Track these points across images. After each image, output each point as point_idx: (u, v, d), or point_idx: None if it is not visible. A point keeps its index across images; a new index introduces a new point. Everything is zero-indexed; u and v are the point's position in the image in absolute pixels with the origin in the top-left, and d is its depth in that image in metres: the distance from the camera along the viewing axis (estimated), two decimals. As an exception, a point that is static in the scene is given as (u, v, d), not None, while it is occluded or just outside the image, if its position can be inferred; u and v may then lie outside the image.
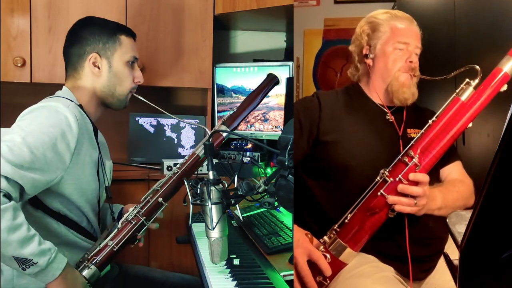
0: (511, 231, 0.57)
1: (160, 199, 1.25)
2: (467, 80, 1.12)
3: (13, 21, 1.95)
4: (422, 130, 1.12)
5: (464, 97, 1.11)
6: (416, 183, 1.06)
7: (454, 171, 1.28)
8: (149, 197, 1.26)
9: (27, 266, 1.02)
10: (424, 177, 1.07)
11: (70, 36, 1.38)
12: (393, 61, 1.25)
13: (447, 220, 1.22)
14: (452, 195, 1.17)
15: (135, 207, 1.26)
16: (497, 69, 1.09)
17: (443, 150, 1.10)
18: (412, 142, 1.11)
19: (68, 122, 1.19)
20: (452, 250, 1.21)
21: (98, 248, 1.21)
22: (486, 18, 2.01)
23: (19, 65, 1.95)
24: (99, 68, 1.35)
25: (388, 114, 1.26)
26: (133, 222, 1.23)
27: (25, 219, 1.05)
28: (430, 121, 1.12)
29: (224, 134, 1.30)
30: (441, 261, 1.22)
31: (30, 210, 1.22)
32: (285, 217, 1.54)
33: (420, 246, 1.15)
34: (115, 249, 1.20)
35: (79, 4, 2.00)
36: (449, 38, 2.11)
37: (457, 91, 1.13)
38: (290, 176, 0.99)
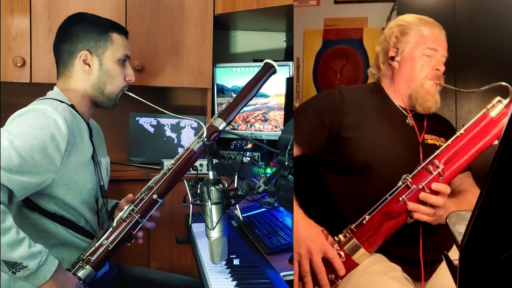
0: (511, 231, 0.57)
1: (154, 196, 1.23)
2: (499, 98, 1.12)
3: (13, 21, 1.94)
4: (449, 141, 1.12)
5: (494, 114, 1.11)
6: (436, 192, 1.07)
7: (465, 182, 1.28)
8: (143, 195, 1.25)
9: (17, 270, 1.00)
10: (446, 188, 1.07)
11: (61, 32, 1.35)
12: (420, 67, 1.25)
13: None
14: (465, 208, 1.17)
15: (130, 204, 1.24)
16: None
17: (466, 163, 1.11)
18: (438, 152, 1.11)
19: (57, 125, 1.17)
20: (452, 250, 1.21)
21: (93, 248, 1.19)
22: (486, 18, 2.00)
23: (19, 65, 1.95)
24: (89, 65, 1.32)
25: (408, 118, 1.26)
26: (128, 220, 1.21)
27: (22, 221, 1.04)
28: (458, 133, 1.12)
29: (220, 128, 1.28)
30: (443, 260, 1.22)
31: (26, 212, 1.22)
32: (285, 217, 1.53)
33: (429, 250, 1.15)
34: (110, 248, 1.19)
35: (79, 4, 2.00)
36: (449, 38, 2.10)
37: (488, 107, 1.12)
38: (290, 176, 0.99)
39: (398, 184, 1.09)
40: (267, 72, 1.34)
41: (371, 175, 1.17)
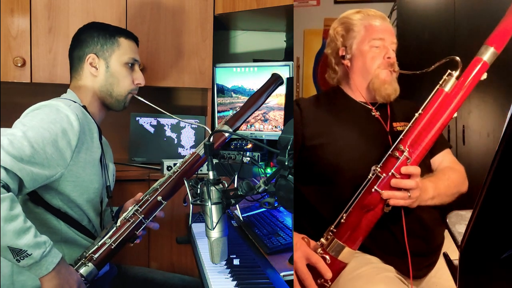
0: (511, 231, 0.57)
1: (159, 198, 1.26)
2: (449, 71, 1.12)
3: (13, 21, 1.95)
4: (410, 124, 1.12)
5: (447, 88, 1.11)
6: (408, 176, 1.07)
7: (444, 159, 1.29)
8: (148, 196, 1.27)
9: (22, 258, 1.02)
10: (416, 169, 1.08)
11: (73, 40, 1.43)
12: (371, 59, 1.26)
13: (447, 220, 1.22)
14: (443, 183, 1.18)
15: (134, 205, 1.26)
16: (477, 58, 1.10)
17: (432, 142, 1.11)
18: (401, 136, 1.12)
19: (69, 120, 1.21)
20: (452, 250, 1.21)
21: (96, 246, 1.21)
22: (486, 18, 2.01)
23: (19, 65, 1.95)
24: (96, 68, 1.38)
25: (372, 111, 1.26)
26: (131, 220, 1.24)
27: (26, 215, 1.06)
28: (416, 114, 1.12)
29: (226, 134, 1.30)
30: (442, 260, 1.22)
31: (31, 206, 1.24)
32: (285, 217, 1.54)
33: (418, 239, 1.15)
34: (112, 247, 1.21)
35: (79, 4, 2.00)
36: (449, 38, 2.11)
37: (440, 82, 1.13)
38: (290, 176, 0.99)
39: (369, 176, 1.09)
40: (273, 82, 1.37)
41: (345, 176, 1.17)
